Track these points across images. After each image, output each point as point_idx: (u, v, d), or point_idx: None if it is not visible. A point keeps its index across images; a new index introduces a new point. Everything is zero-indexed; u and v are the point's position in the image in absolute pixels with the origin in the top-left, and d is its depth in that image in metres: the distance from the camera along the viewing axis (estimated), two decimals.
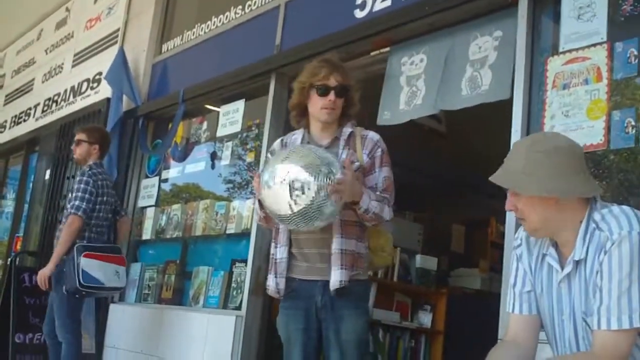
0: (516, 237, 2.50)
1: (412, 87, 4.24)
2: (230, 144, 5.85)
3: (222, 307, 5.33)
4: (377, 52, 4.61)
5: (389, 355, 5.75)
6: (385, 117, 4.30)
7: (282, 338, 3.32)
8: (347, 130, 3.29)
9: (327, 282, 3.16)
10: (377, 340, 5.63)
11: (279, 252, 3.29)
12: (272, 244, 3.37)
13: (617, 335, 2.07)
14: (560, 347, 2.32)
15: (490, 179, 2.29)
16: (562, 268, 2.28)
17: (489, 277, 6.85)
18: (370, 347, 5.57)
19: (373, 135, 3.32)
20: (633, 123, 3.10)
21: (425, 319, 6.03)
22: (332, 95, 3.22)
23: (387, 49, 4.52)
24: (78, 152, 5.39)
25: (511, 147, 2.44)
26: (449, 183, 7.65)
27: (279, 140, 3.48)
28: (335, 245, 3.16)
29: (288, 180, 2.91)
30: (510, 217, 3.47)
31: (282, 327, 3.32)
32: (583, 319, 2.22)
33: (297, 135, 3.39)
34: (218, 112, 6.02)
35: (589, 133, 3.22)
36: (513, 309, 2.43)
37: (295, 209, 2.93)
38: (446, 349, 6.01)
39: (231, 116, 5.79)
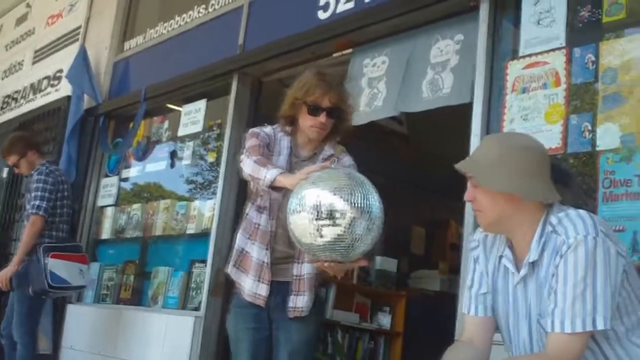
0: (473, 238, 2.51)
1: (373, 89, 4.25)
2: (191, 143, 5.82)
3: (181, 307, 5.30)
4: (340, 53, 4.62)
5: (348, 357, 5.77)
6: None
7: (231, 337, 3.24)
8: (328, 151, 3.23)
9: (283, 283, 3.13)
10: (335, 341, 5.64)
11: (262, 255, 3.14)
12: (248, 240, 3.17)
13: (570, 338, 2.09)
14: (515, 349, 2.34)
15: (457, 166, 2.30)
16: (518, 270, 2.30)
17: (448, 278, 6.90)
18: (329, 348, 5.59)
19: (347, 161, 3.26)
20: (590, 127, 3.15)
21: (384, 320, 6.05)
22: (323, 117, 3.12)
23: (350, 50, 4.54)
24: (24, 169, 5.39)
25: (482, 140, 2.46)
26: (410, 185, 7.68)
27: (269, 128, 3.27)
28: (310, 269, 3.13)
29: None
30: (468, 219, 3.50)
31: (232, 326, 3.24)
32: (538, 321, 2.24)
33: (281, 136, 3.25)
34: (180, 112, 5.99)
35: (547, 137, 3.26)
36: (469, 310, 2.44)
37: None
38: (405, 350, 6.05)
39: (193, 116, 5.77)
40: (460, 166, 2.30)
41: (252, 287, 3.13)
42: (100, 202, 6.72)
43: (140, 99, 6.12)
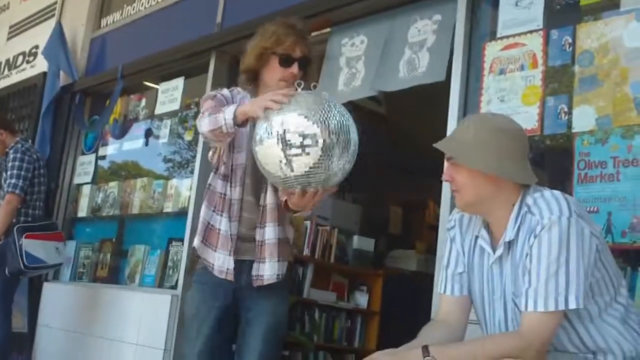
0: (450, 218, 2.54)
1: (352, 69, 4.25)
2: (169, 122, 5.80)
3: (158, 286, 5.30)
4: (318, 32, 4.60)
5: (325, 335, 5.79)
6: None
7: (191, 314, 3.04)
8: None
9: (253, 262, 2.97)
10: (312, 320, 5.66)
11: (230, 227, 2.96)
12: (213, 213, 3.01)
13: (543, 317, 2.13)
14: (490, 328, 2.37)
15: (437, 145, 2.32)
16: (494, 250, 2.33)
17: (425, 258, 6.92)
18: (306, 327, 5.61)
19: None
20: (566, 109, 3.17)
21: (361, 299, 6.08)
22: (295, 68, 2.95)
23: (328, 30, 4.52)
24: None
25: (462, 121, 2.47)
26: (388, 165, 7.69)
27: (226, 90, 3.09)
28: (271, 234, 2.96)
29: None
30: (445, 200, 3.52)
31: (194, 302, 3.04)
32: (513, 300, 2.27)
33: (242, 95, 3.08)
34: (157, 90, 5.96)
35: (524, 118, 3.27)
36: (445, 290, 2.48)
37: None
38: (382, 330, 6.08)
39: (170, 94, 5.73)
40: (440, 145, 2.32)
41: (220, 262, 2.97)
42: (77, 180, 6.68)
43: (117, 76, 6.08)
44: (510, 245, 2.27)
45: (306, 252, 5.71)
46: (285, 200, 2.81)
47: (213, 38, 5.29)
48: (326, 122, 2.44)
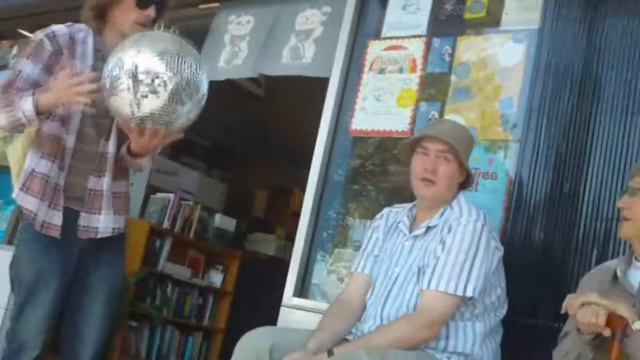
0: (380, 214, 2.77)
1: (235, 47, 4.21)
2: None
3: (8, 242, 5.11)
4: (206, 5, 4.54)
5: (175, 310, 5.74)
6: None
7: (28, 277, 2.67)
8: None
9: (81, 212, 2.73)
10: (164, 294, 5.59)
11: (59, 176, 2.68)
12: (41, 159, 2.67)
13: (442, 297, 2.34)
14: (398, 308, 2.47)
15: (439, 135, 2.51)
16: (411, 232, 2.57)
17: (284, 245, 6.97)
18: (157, 300, 5.54)
19: None
20: (437, 116, 3.27)
21: (216, 278, 6.06)
22: (152, 10, 2.72)
23: (217, 4, 4.46)
24: None
25: (437, 120, 2.88)
26: (260, 148, 7.69)
27: (64, 27, 2.75)
28: (108, 185, 2.74)
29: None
30: (310, 189, 3.55)
31: (34, 264, 2.68)
32: (415, 274, 2.46)
33: (85, 34, 2.76)
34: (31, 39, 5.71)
35: (396, 120, 3.35)
36: (357, 267, 2.68)
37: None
38: (233, 309, 6.08)
39: None
40: (439, 135, 2.52)
41: (43, 214, 2.65)
42: None
43: None
44: (429, 230, 2.52)
45: (166, 224, 5.63)
46: (128, 147, 2.67)
47: None
48: (180, 67, 2.36)
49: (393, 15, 3.59)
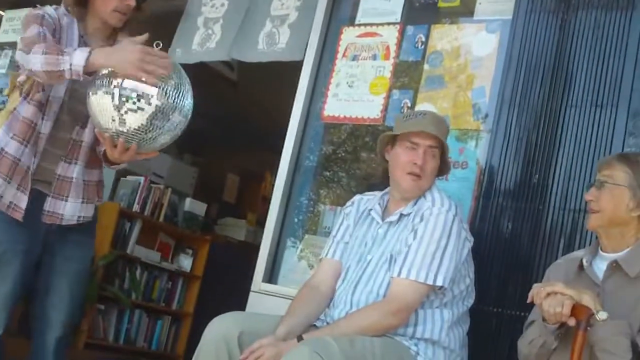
0: (351, 201, 2.80)
1: (208, 30, 4.18)
2: (9, 52, 5.49)
3: None
4: None
5: (144, 294, 5.71)
6: (177, 54, 4.22)
7: None
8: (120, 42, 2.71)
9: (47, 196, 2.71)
10: (133, 277, 5.57)
11: (28, 158, 2.64)
12: (12, 140, 2.63)
13: (412, 285, 2.37)
14: (368, 295, 2.49)
15: (431, 131, 2.54)
16: (383, 219, 2.59)
17: (254, 230, 6.97)
18: (126, 283, 5.52)
19: None
20: (409, 104, 3.28)
21: (185, 262, 6.04)
22: (132, 0, 2.72)
23: None
24: None
25: (419, 111, 2.77)
26: (232, 132, 7.67)
27: (51, 9, 2.74)
28: (79, 173, 2.73)
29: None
30: (281, 175, 3.55)
31: None
32: (389, 268, 2.48)
33: (70, 20, 2.75)
34: (1, 16, 5.63)
35: (368, 107, 3.36)
36: (327, 253, 2.70)
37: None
38: (201, 294, 6.08)
39: (16, 23, 5.43)
40: (430, 130, 2.54)
41: (10, 196, 2.61)
42: None
43: None
44: (401, 217, 2.55)
45: (136, 208, 5.60)
46: (104, 151, 2.63)
47: None
48: (164, 87, 2.38)
49: (368, 1, 3.58)
